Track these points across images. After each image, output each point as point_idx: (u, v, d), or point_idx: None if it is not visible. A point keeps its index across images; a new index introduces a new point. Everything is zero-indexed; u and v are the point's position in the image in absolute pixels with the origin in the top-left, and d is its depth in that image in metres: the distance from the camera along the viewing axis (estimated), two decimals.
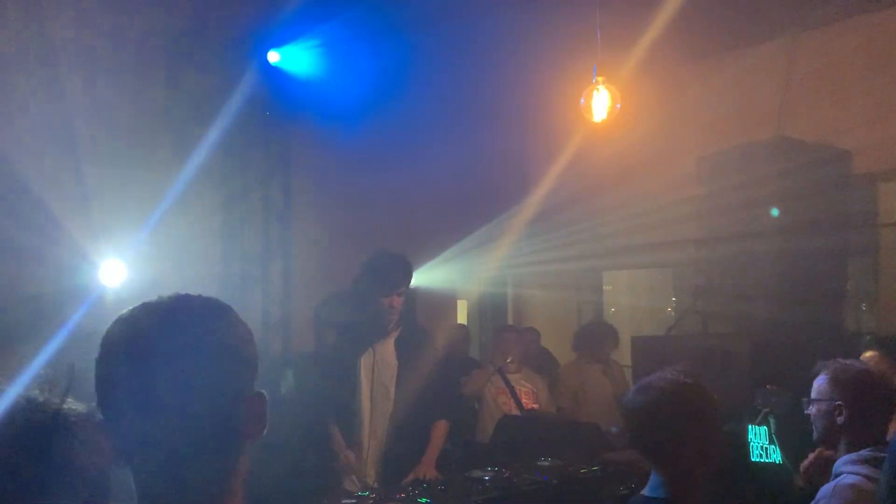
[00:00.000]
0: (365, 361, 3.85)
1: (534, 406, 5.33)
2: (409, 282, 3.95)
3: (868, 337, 3.76)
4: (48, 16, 4.65)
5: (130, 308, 1.14)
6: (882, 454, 2.25)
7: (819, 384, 2.56)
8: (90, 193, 4.89)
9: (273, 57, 5.15)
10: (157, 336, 1.08)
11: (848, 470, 2.26)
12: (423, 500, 3.45)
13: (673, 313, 9.65)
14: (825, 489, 2.26)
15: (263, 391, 1.15)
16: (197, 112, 5.34)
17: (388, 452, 3.86)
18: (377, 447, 3.84)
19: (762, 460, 4.14)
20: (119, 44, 5.02)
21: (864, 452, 2.28)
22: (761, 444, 4.23)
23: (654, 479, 2.06)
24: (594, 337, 5.96)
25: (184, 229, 5.40)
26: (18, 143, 4.53)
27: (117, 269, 4.58)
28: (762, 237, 5.09)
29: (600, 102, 4.20)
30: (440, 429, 3.99)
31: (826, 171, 5.24)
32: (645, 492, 2.08)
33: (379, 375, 3.85)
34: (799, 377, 3.61)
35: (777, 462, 4.15)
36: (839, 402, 2.44)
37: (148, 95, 5.26)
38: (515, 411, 5.28)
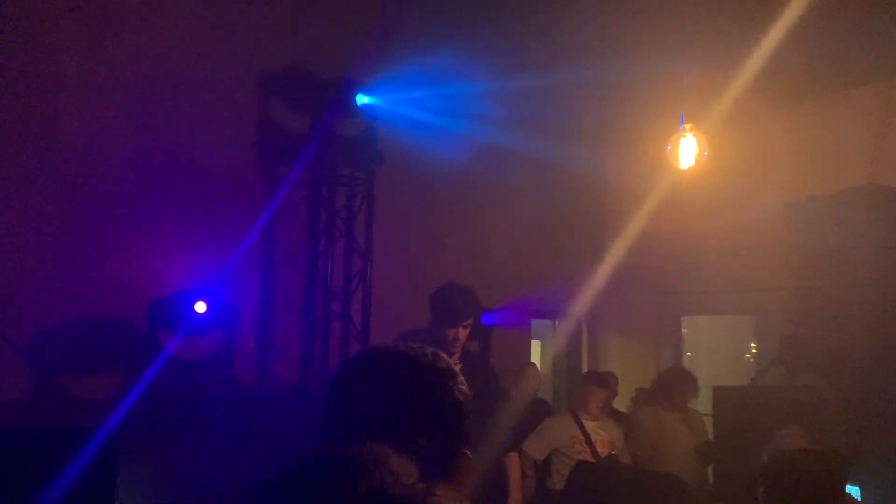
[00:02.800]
0: None
1: (613, 453, 5.22)
2: (475, 313, 3.95)
3: None
4: (140, 45, 4.89)
5: (366, 349, 1.21)
6: None
7: None
8: (181, 224, 5.09)
9: (362, 100, 5.30)
10: (385, 384, 1.12)
11: None
12: None
13: (753, 361, 9.36)
14: None
15: (469, 454, 1.17)
16: (286, 149, 5.52)
17: None
18: None
19: None
20: (211, 80, 5.23)
21: None
22: None
23: None
24: (673, 384, 5.82)
25: (269, 264, 5.56)
26: (111, 172, 4.76)
27: (202, 303, 4.73)
28: (854, 287, 4.90)
29: (687, 149, 4.17)
30: (514, 461, 3.97)
31: None
32: None
33: None
34: (894, 435, 3.45)
35: None
36: None
37: (238, 130, 5.47)
38: (591, 459, 5.19)
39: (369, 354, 1.19)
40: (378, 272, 5.69)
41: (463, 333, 3.80)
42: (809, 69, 5.45)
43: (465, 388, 1.18)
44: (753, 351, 9.73)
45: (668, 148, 4.22)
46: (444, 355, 1.22)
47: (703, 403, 6.13)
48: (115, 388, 4.34)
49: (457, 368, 1.20)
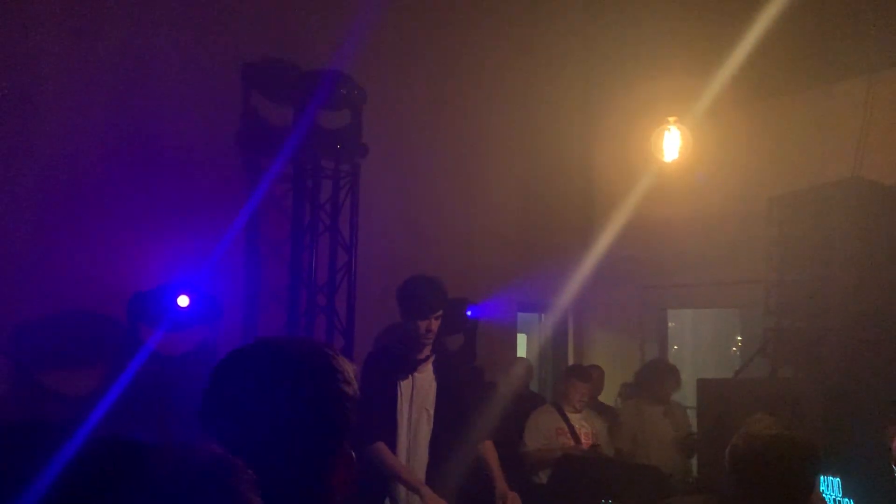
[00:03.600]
0: (405, 387, 3.86)
1: (596, 444, 5.25)
2: (445, 304, 3.94)
3: None
4: (120, 39, 4.85)
5: (251, 343, 1.19)
6: None
7: None
8: (163, 218, 5.06)
9: (346, 90, 5.26)
10: (267, 377, 1.12)
11: None
12: None
13: (738, 354, 9.41)
14: None
15: (352, 452, 1.18)
16: (270, 143, 5.50)
17: (430, 476, 3.83)
18: (420, 472, 3.82)
19: None
20: (193, 72, 5.20)
21: None
22: (834, 497, 4.07)
23: None
24: (655, 377, 5.85)
25: (253, 257, 5.54)
26: (93, 166, 4.72)
27: (185, 297, 4.70)
28: (835, 280, 4.93)
29: (671, 142, 4.17)
30: (490, 448, 3.98)
31: None
32: None
33: (419, 400, 3.85)
34: (874, 425, 3.48)
35: None
36: None
37: (221, 123, 5.44)
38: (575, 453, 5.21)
39: (254, 345, 1.19)
40: (363, 265, 5.68)
41: (434, 325, 3.79)
42: (793, 63, 5.47)
43: (349, 381, 1.18)
44: (739, 344, 9.79)
45: (652, 141, 4.23)
46: (328, 348, 1.21)
47: (688, 396, 6.16)
48: (95, 383, 4.31)
49: (339, 364, 1.19)
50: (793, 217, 5.22)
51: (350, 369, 1.21)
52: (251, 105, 5.58)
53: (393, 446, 3.80)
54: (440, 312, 3.81)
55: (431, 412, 3.86)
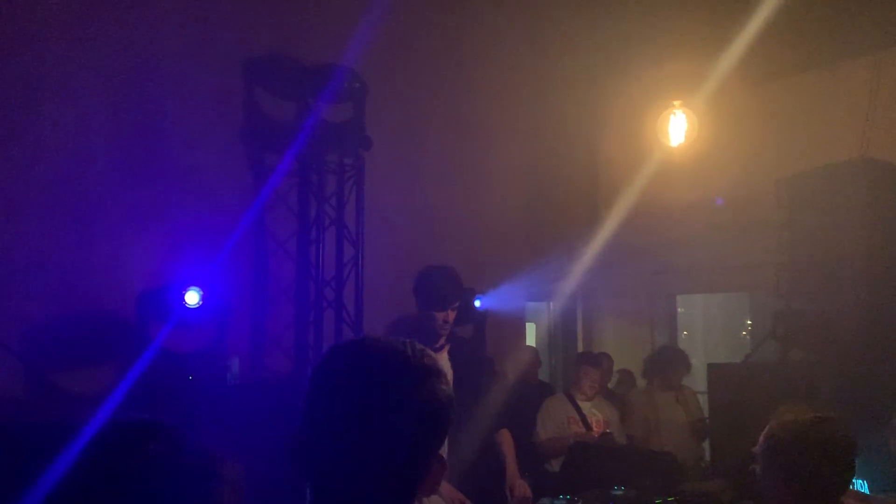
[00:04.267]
0: None
1: (608, 431, 5.24)
2: (462, 295, 3.94)
3: None
4: (124, 35, 4.85)
5: (355, 340, 1.19)
6: None
7: None
8: (170, 216, 5.07)
9: (349, 84, 5.25)
10: (373, 388, 1.12)
11: None
12: None
13: (748, 338, 9.38)
14: None
15: (444, 456, 1.18)
16: (273, 138, 5.49)
17: (456, 471, 3.84)
18: None
19: None
20: (196, 69, 5.19)
21: None
22: None
23: None
24: (666, 363, 5.83)
25: (260, 253, 5.54)
26: (100, 164, 4.73)
27: (196, 294, 4.71)
28: (844, 260, 4.91)
29: (677, 126, 4.15)
30: (506, 437, 3.98)
31: None
32: None
33: None
34: (886, 406, 3.47)
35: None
36: None
37: (225, 119, 5.43)
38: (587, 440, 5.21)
39: (357, 345, 1.17)
40: (370, 259, 5.68)
41: (451, 316, 3.79)
42: (798, 43, 5.43)
43: (447, 388, 1.17)
44: (749, 328, 9.76)
45: (659, 125, 4.21)
46: (430, 352, 1.20)
47: (699, 381, 6.15)
48: (106, 382, 4.33)
49: (441, 365, 1.19)
50: (801, 198, 5.19)
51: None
52: (254, 100, 5.57)
53: None
54: (457, 304, 3.82)
55: None
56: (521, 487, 3.79)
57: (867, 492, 4.03)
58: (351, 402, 1.10)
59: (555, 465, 5.22)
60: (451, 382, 3.64)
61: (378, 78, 5.60)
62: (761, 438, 2.11)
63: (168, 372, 4.50)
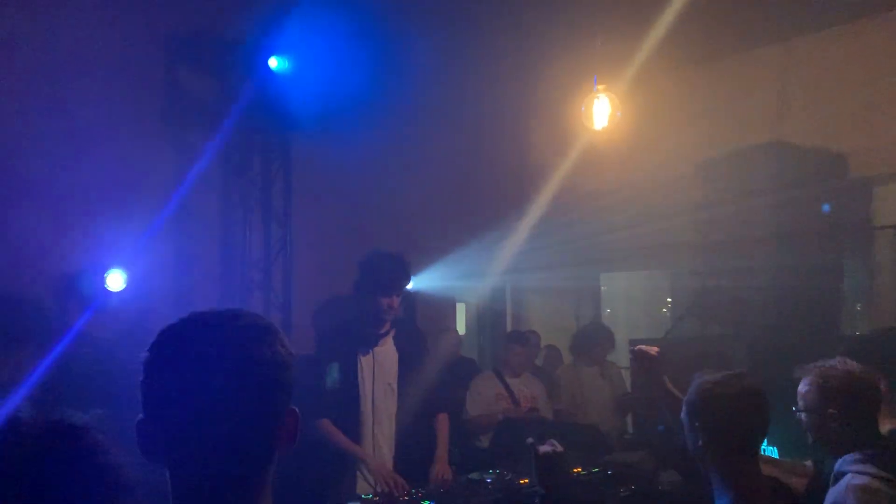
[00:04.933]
0: (366, 361, 3.88)
1: (535, 407, 5.37)
2: (408, 281, 3.98)
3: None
4: (42, 12, 4.65)
5: (182, 318, 1.19)
6: (884, 451, 2.30)
7: (806, 392, 2.57)
8: (90, 198, 4.91)
9: (273, 63, 5.16)
10: (211, 349, 1.13)
11: (853, 469, 2.30)
12: (427, 501, 3.49)
13: (668, 315, 9.72)
14: (837, 490, 2.26)
15: (296, 408, 1.20)
16: (196, 118, 5.36)
17: (399, 451, 3.89)
18: (388, 447, 3.87)
19: None
20: (116, 43, 5.02)
21: (868, 451, 2.31)
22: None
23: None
24: (591, 339, 6.01)
25: (184, 235, 5.42)
26: (16, 146, 4.54)
27: (119, 277, 4.59)
28: (758, 241, 5.14)
29: (601, 110, 4.25)
30: (443, 422, 4.06)
31: (822, 174, 5.30)
32: None
33: (382, 375, 3.88)
34: (795, 377, 3.67)
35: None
36: (831, 411, 2.46)
37: (146, 98, 5.28)
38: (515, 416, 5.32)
39: (191, 319, 1.19)
40: (298, 240, 5.64)
41: (396, 301, 3.82)
42: (715, 29, 5.61)
43: (284, 348, 1.20)
44: (669, 305, 10.11)
45: (583, 109, 4.30)
46: (262, 316, 1.24)
47: (622, 357, 6.36)
48: (22, 369, 4.18)
49: (276, 325, 1.23)
50: (717, 181, 5.40)
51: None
52: (176, 78, 5.42)
53: (356, 421, 3.82)
54: (402, 289, 3.84)
55: (395, 385, 3.89)
56: (443, 471, 3.88)
57: (765, 442, 4.27)
58: (189, 374, 1.12)
59: (484, 441, 5.32)
60: (397, 367, 3.65)
61: (305, 56, 5.53)
62: (683, 405, 2.25)
63: (88, 358, 4.39)
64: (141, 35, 5.15)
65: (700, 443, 2.15)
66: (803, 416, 2.54)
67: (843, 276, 5.55)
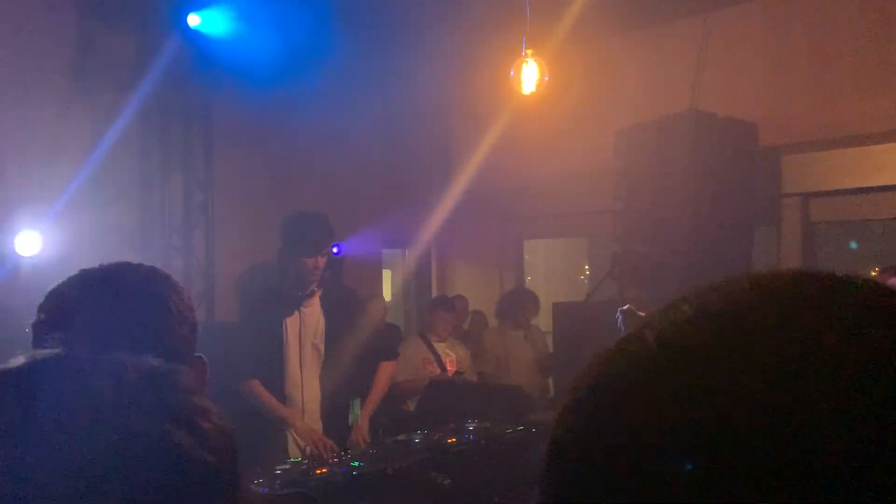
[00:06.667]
0: (291, 323, 3.86)
1: (460, 371, 5.47)
2: (332, 241, 3.96)
3: None
4: None
5: (70, 276, 1.15)
6: None
7: None
8: (2, 160, 4.68)
9: (193, 20, 4.99)
10: (101, 303, 1.11)
11: None
12: (356, 462, 3.52)
13: (586, 282, 10.01)
14: None
15: (203, 355, 1.19)
16: (112, 77, 5.15)
17: (326, 412, 3.90)
18: (314, 408, 3.87)
19: None
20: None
21: None
22: None
23: None
24: (516, 304, 6.13)
25: (101, 199, 5.23)
26: None
27: (32, 241, 4.40)
28: (676, 206, 5.33)
29: (529, 75, 4.30)
30: (387, 369, 4.09)
31: (734, 143, 5.52)
32: None
33: (308, 335, 3.87)
34: None
35: None
36: None
37: (58, 57, 5.03)
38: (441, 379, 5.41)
39: (84, 274, 1.19)
40: (220, 204, 5.52)
41: (321, 262, 3.79)
42: (636, 1, 5.73)
43: (179, 298, 1.20)
44: (587, 272, 10.41)
45: (512, 73, 4.34)
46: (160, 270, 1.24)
47: (542, 323, 6.52)
48: None
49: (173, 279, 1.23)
50: (636, 149, 5.54)
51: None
52: (89, 35, 5.18)
53: (281, 382, 3.80)
54: (327, 249, 3.81)
55: (321, 346, 3.88)
56: (361, 431, 3.93)
57: None
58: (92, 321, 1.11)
59: (411, 406, 5.39)
60: (323, 327, 3.64)
61: (227, 14, 5.37)
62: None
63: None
64: None
65: None
66: None
67: (753, 242, 5.82)
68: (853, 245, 7.39)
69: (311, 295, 3.89)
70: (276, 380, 3.81)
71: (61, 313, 1.11)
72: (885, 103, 5.24)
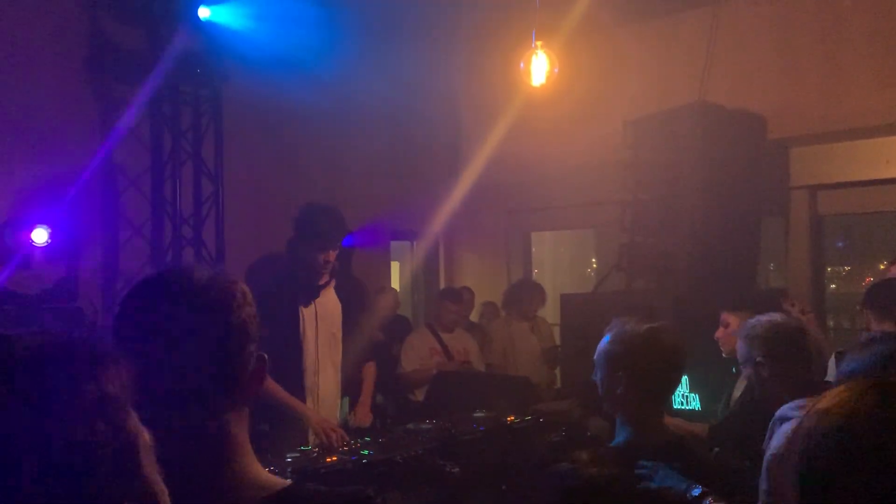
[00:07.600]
0: (307, 313, 3.88)
1: (467, 361, 5.50)
2: (345, 235, 3.99)
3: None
4: None
5: (154, 274, 1.23)
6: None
7: (738, 346, 2.71)
8: (8, 151, 4.72)
9: (203, 13, 5.01)
10: (177, 312, 1.16)
11: (798, 415, 2.37)
12: (366, 451, 3.56)
13: (593, 275, 10.01)
14: (782, 431, 2.19)
15: (265, 354, 1.24)
16: (122, 69, 5.18)
17: (346, 396, 3.95)
18: (333, 397, 3.91)
19: (683, 407, 4.43)
20: None
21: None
22: (682, 393, 4.52)
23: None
24: (522, 295, 6.16)
25: (113, 190, 5.27)
26: None
27: (44, 232, 4.45)
28: (683, 198, 5.34)
29: (539, 66, 4.31)
30: (371, 370, 4.13)
31: (742, 135, 5.52)
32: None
33: (325, 325, 3.90)
34: (715, 327, 3.87)
35: (696, 409, 4.45)
36: (759, 360, 2.61)
37: (69, 49, 5.06)
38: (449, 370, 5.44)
39: (160, 277, 1.24)
40: (230, 195, 5.55)
41: (333, 255, 3.82)
42: None
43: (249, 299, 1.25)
44: (594, 265, 10.41)
45: (521, 66, 4.34)
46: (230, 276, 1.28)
47: (549, 315, 6.54)
48: None
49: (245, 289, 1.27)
50: (645, 140, 5.55)
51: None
52: (99, 28, 5.21)
53: (299, 372, 3.83)
54: (339, 243, 3.84)
55: (339, 335, 3.92)
56: (363, 417, 3.97)
57: (699, 405, 4.52)
58: (159, 327, 1.15)
59: (419, 396, 5.43)
60: (341, 315, 3.65)
61: (236, 8, 5.39)
62: (601, 353, 2.25)
63: (11, 315, 4.26)
64: None
65: (620, 390, 2.16)
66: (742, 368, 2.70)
67: (761, 234, 5.83)
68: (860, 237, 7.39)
69: (326, 285, 3.93)
70: (292, 370, 3.83)
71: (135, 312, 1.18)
72: (893, 96, 5.23)
